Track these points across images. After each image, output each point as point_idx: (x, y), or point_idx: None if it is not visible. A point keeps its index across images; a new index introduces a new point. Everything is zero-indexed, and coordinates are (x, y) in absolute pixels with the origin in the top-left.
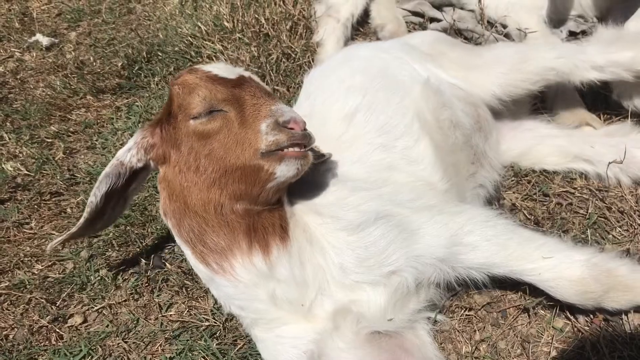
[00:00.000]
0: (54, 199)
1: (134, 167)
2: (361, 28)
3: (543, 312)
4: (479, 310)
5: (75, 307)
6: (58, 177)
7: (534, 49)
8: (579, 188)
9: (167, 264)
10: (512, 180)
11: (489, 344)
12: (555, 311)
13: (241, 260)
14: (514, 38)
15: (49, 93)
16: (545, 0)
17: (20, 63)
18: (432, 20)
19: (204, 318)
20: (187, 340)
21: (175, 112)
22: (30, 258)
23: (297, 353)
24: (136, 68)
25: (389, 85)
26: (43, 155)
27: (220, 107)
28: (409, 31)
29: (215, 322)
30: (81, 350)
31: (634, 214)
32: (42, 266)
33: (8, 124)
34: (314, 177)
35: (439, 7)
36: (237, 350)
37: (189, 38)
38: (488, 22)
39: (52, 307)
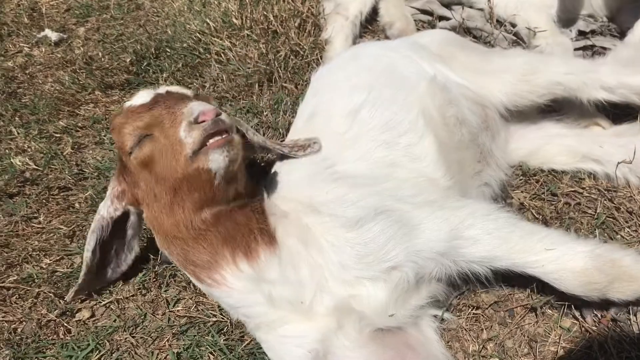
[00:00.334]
0: (62, 194)
1: (113, 217)
2: (370, 26)
3: (550, 311)
4: (486, 309)
5: (83, 301)
6: (66, 172)
7: (545, 61)
8: (587, 188)
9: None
10: (520, 180)
11: (496, 343)
12: (563, 311)
13: (229, 270)
14: (523, 37)
15: (57, 88)
16: None
17: (29, 58)
18: (441, 18)
19: (211, 314)
20: (195, 335)
21: (120, 155)
22: (38, 252)
23: (302, 352)
24: (144, 64)
25: (395, 82)
26: (51, 150)
27: (144, 132)
28: (418, 29)
29: (222, 318)
30: (89, 345)
31: None
32: (50, 260)
33: (17, 118)
34: (314, 176)
35: (447, 6)
36: (245, 347)
37: (198, 34)
38: (497, 20)
39: (60, 301)
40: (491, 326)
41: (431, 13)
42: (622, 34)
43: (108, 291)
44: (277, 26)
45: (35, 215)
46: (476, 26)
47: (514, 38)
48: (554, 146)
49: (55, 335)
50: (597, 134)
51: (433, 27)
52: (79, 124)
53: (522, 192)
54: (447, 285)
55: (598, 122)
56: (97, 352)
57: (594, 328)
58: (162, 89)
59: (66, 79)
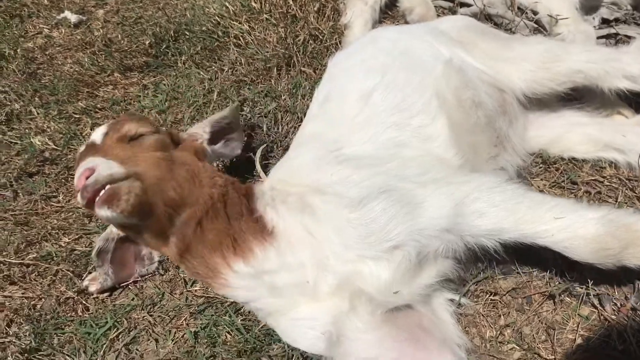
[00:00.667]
0: None
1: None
2: (389, 11)
3: (569, 299)
4: (504, 295)
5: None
6: None
7: (567, 49)
8: (608, 177)
9: None
10: (540, 168)
11: (513, 329)
12: (582, 299)
13: (227, 273)
14: (545, 25)
15: (76, 69)
16: None
17: (48, 39)
18: (462, 4)
19: None
20: (212, 315)
21: None
22: (57, 231)
23: (315, 334)
24: (163, 47)
25: (411, 66)
26: (71, 130)
27: None
28: (438, 16)
29: None
30: (107, 322)
31: None
32: (69, 239)
33: (37, 98)
34: (320, 159)
35: None
36: (262, 327)
37: (216, 18)
38: (518, 8)
39: (79, 279)
40: (509, 312)
41: None
42: None
43: None
44: (296, 10)
45: (54, 194)
46: (497, 13)
47: (535, 26)
48: (575, 134)
49: (73, 312)
50: (619, 123)
51: (454, 13)
52: (98, 106)
53: (541, 179)
54: (458, 264)
55: (620, 111)
56: (115, 329)
57: (613, 317)
58: (82, 146)
59: (85, 60)
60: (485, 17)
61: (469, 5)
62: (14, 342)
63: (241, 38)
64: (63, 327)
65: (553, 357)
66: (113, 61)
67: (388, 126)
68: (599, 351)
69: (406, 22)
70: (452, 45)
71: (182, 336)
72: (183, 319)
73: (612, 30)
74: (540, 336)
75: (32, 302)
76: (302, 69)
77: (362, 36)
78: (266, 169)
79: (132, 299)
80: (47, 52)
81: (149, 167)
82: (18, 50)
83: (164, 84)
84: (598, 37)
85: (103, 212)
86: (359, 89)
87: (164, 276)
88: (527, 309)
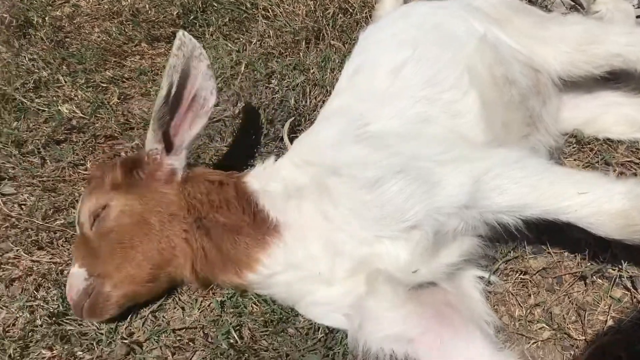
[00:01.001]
0: (108, 142)
1: None
2: None
3: (601, 281)
4: (534, 274)
5: None
6: (113, 121)
7: (605, 30)
8: None
9: None
10: (573, 148)
11: (543, 309)
12: (614, 281)
13: (243, 280)
14: (582, 2)
15: (104, 39)
16: None
17: (76, 8)
18: None
19: None
20: None
21: None
22: None
23: (336, 316)
24: (191, 17)
25: (444, 40)
26: (98, 99)
27: None
28: None
29: None
30: None
31: None
32: None
33: (64, 67)
34: (342, 135)
35: None
36: None
37: None
38: None
39: None
40: (538, 292)
41: None
42: None
43: None
44: None
45: (82, 162)
46: None
47: (572, 3)
48: (611, 115)
49: None
50: None
51: None
52: (125, 75)
53: (574, 159)
54: (483, 242)
55: None
56: None
57: None
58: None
59: (113, 30)
60: None
61: None
62: (42, 306)
63: (270, 10)
64: None
65: (583, 337)
66: (140, 31)
67: (417, 100)
68: (631, 333)
69: None
70: (486, 22)
71: (209, 305)
72: (209, 288)
73: None
74: (570, 317)
75: (60, 268)
76: (331, 42)
77: (394, 10)
78: (293, 142)
79: None
80: (74, 21)
81: (111, 260)
82: (46, 18)
83: None
84: (638, 17)
85: (94, 321)
86: (389, 62)
87: None
88: (558, 289)
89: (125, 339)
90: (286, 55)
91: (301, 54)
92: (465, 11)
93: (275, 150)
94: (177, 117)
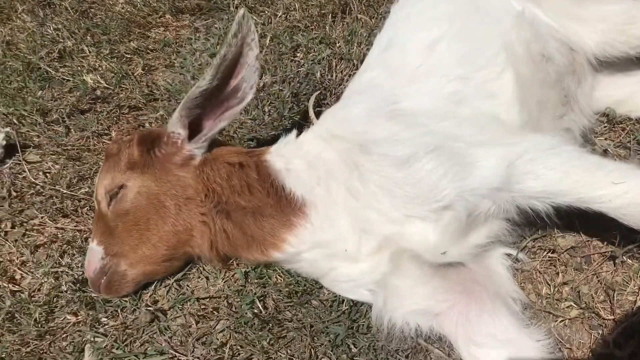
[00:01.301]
0: (132, 113)
1: None
2: None
3: (630, 261)
4: (562, 253)
5: None
6: (137, 92)
7: None
8: None
9: None
10: (604, 127)
11: (571, 288)
12: None
13: (269, 257)
14: None
15: (128, 10)
16: None
17: None
18: None
19: None
20: None
21: None
22: None
23: (362, 292)
24: None
25: (479, 15)
26: (122, 70)
27: None
28: None
29: None
30: None
31: None
32: None
33: (89, 37)
34: (373, 111)
35: None
36: None
37: None
38: None
39: None
40: (566, 271)
41: None
42: None
43: None
44: None
45: (106, 132)
46: None
47: None
48: None
49: None
50: None
51: None
52: (150, 47)
53: (605, 139)
54: (512, 225)
55: None
56: None
57: None
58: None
59: (137, 1)
60: None
61: None
62: (67, 272)
63: None
64: None
65: (612, 317)
66: (165, 2)
67: (451, 79)
68: None
69: None
70: None
71: (233, 275)
72: (233, 258)
73: None
74: (598, 296)
75: (85, 235)
76: (358, 16)
77: None
78: (319, 116)
79: None
80: None
81: (127, 240)
82: None
83: (216, 27)
84: None
85: (112, 297)
86: (423, 38)
87: None
88: (586, 268)
89: (150, 307)
90: (312, 29)
91: (327, 27)
92: None
93: (300, 124)
94: (209, 108)
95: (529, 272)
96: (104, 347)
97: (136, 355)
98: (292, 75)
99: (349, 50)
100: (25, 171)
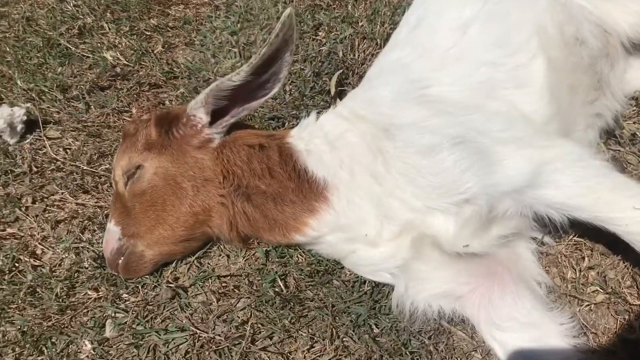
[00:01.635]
0: (152, 91)
1: None
2: None
3: None
4: (588, 237)
5: None
6: (157, 70)
7: None
8: None
9: None
10: (633, 110)
11: (597, 272)
12: None
13: (291, 239)
14: None
15: None
16: None
17: None
18: None
19: None
20: None
21: None
22: None
23: (383, 274)
24: None
25: None
26: (142, 47)
27: None
28: None
29: None
30: None
31: None
32: None
33: (108, 14)
34: (402, 95)
35: None
36: None
37: None
38: None
39: None
40: (592, 255)
41: None
42: None
43: None
44: None
45: (126, 109)
46: None
47: None
48: None
49: None
50: None
51: None
52: (170, 24)
53: (634, 122)
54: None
55: None
56: None
57: None
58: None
59: None
60: None
61: None
62: (88, 248)
63: None
64: None
65: (639, 302)
66: None
67: (481, 65)
68: None
69: None
70: None
71: (253, 254)
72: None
73: None
74: (625, 281)
75: (105, 212)
76: None
77: None
78: (341, 95)
79: None
80: None
81: (144, 221)
82: None
83: (237, 5)
84: None
85: (131, 278)
86: (455, 18)
87: None
88: (612, 253)
89: (171, 284)
90: (334, 8)
91: (349, 6)
92: None
93: (322, 103)
94: (235, 97)
95: (554, 256)
96: (125, 322)
97: (157, 331)
98: (313, 54)
99: (371, 30)
100: (45, 147)
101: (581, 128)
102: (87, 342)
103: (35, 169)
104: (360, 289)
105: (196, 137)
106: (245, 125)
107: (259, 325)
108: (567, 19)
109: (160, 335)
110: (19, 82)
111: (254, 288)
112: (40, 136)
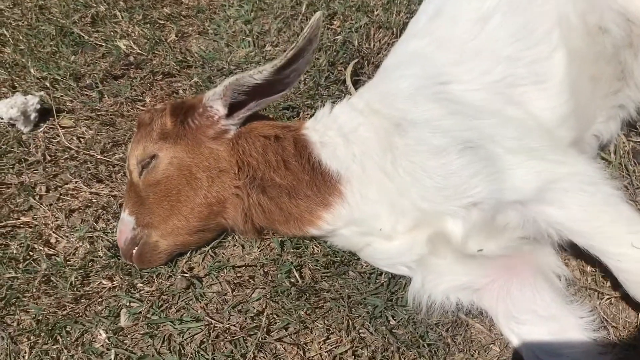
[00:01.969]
0: (166, 79)
1: None
2: None
3: None
4: None
5: None
6: (170, 59)
7: None
8: None
9: None
10: None
11: None
12: None
13: (306, 232)
14: None
15: None
16: None
17: None
18: None
19: None
20: None
21: None
22: None
23: (398, 267)
24: None
25: None
26: (155, 36)
27: None
28: None
29: None
30: None
31: None
32: None
33: (121, 2)
34: (420, 89)
35: None
36: None
37: None
38: None
39: None
40: None
41: None
42: None
43: None
44: None
45: (139, 98)
46: None
47: None
48: None
49: None
50: None
51: None
52: (183, 13)
53: None
54: None
55: None
56: None
57: None
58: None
59: None
60: None
61: None
62: (102, 237)
63: None
64: None
65: None
66: None
67: (500, 61)
68: None
69: None
70: None
71: (268, 244)
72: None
73: None
74: None
75: (120, 201)
76: None
77: None
78: (356, 85)
79: None
80: None
81: (158, 211)
82: None
83: None
84: None
85: (145, 268)
86: (476, 8)
87: None
88: None
89: (185, 274)
90: None
91: None
92: None
93: (337, 93)
94: (254, 91)
95: (574, 249)
96: (140, 312)
97: (172, 321)
98: (328, 44)
99: (387, 19)
100: (59, 135)
101: (602, 120)
102: (101, 332)
103: (49, 158)
104: (377, 281)
105: (212, 128)
106: (260, 115)
107: (275, 316)
108: (590, 7)
109: (175, 325)
110: (32, 70)
111: (269, 279)
112: (54, 125)
